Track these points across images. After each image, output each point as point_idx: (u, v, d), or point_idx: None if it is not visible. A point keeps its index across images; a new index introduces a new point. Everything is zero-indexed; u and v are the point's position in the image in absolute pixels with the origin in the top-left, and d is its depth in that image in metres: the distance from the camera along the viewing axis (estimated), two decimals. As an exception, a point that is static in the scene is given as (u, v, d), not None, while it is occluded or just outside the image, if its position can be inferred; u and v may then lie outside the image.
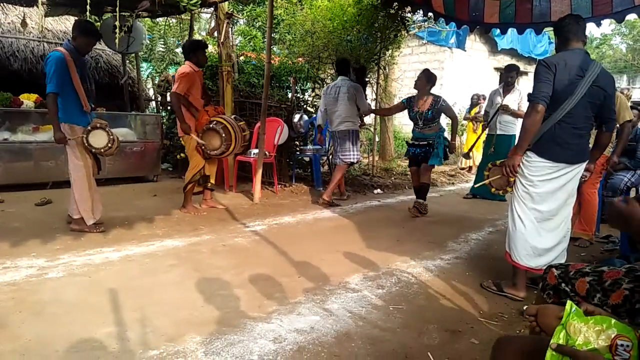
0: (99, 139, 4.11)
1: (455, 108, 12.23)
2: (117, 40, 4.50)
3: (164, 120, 7.97)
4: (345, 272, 3.51)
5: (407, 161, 6.11)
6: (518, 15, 5.25)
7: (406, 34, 8.50)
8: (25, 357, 2.17)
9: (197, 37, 9.70)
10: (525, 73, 14.10)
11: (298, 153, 7.37)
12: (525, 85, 11.90)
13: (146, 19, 8.27)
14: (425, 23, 11.67)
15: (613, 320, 1.16)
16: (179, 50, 10.81)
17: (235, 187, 6.43)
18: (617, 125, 4.45)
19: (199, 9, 6.78)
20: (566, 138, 2.88)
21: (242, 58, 8.62)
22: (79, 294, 2.90)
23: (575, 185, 3.06)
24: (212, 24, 6.90)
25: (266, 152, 6.10)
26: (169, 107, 8.14)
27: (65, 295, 2.87)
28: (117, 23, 4.27)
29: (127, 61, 7.84)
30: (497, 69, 14.17)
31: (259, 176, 5.89)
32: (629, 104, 4.61)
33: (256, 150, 6.04)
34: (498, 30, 5.91)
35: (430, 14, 5.89)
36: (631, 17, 4.63)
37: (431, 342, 2.50)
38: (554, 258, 3.01)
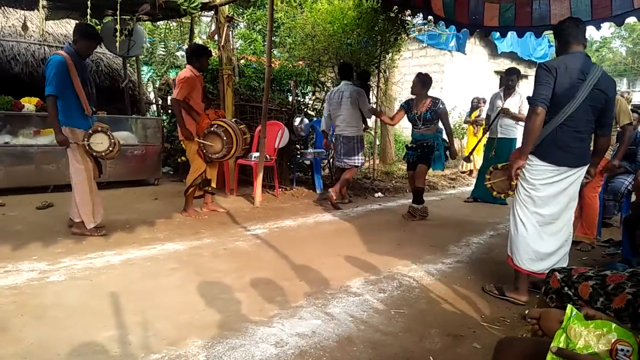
0: (100, 143, 4.11)
1: (456, 111, 12.32)
2: (117, 44, 4.51)
3: (165, 124, 7.99)
4: (347, 276, 3.51)
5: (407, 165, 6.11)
6: (518, 19, 5.26)
7: (406, 38, 8.51)
8: (26, 361, 2.17)
9: (197, 40, 9.72)
10: (526, 76, 14.12)
11: (299, 156, 7.38)
12: (525, 88, 11.90)
13: (147, 22, 8.28)
14: (425, 26, 11.70)
15: (613, 325, 1.16)
16: (179, 53, 10.83)
17: (236, 191, 6.43)
18: (618, 128, 4.46)
19: (200, 13, 6.78)
20: (568, 141, 2.88)
21: (242, 61, 8.63)
22: (80, 298, 2.90)
23: (577, 189, 3.06)
24: (213, 28, 6.89)
25: (267, 156, 6.10)
26: (169, 111, 8.14)
27: (66, 298, 2.87)
28: (117, 26, 4.27)
29: (128, 64, 7.85)
30: (497, 72, 14.19)
31: (260, 180, 5.90)
32: (629, 107, 4.61)
33: (257, 154, 6.05)
34: (498, 34, 5.93)
35: (430, 17, 5.90)
36: (631, 20, 4.64)
37: (433, 347, 2.49)
38: (555, 262, 3.01)
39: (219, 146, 4.81)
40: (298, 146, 7.55)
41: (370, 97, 7.54)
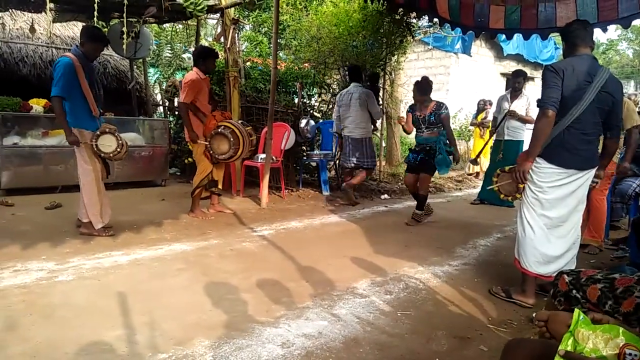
0: (108, 144, 4.14)
1: (462, 114, 12.30)
2: (124, 46, 4.51)
3: (172, 125, 8.02)
4: (353, 278, 3.51)
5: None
6: (523, 21, 5.25)
7: (412, 40, 8.51)
8: (35, 359, 2.18)
9: (203, 42, 9.75)
10: (532, 78, 14.08)
11: (305, 158, 7.39)
12: (532, 90, 11.87)
13: (153, 24, 8.33)
14: (431, 29, 11.68)
15: (621, 329, 1.17)
16: (186, 55, 10.87)
17: (243, 192, 6.45)
18: (625, 130, 4.44)
19: (206, 15, 6.81)
20: (575, 144, 2.87)
21: (248, 63, 8.66)
22: (88, 297, 2.91)
23: (585, 192, 3.04)
24: (219, 30, 6.95)
25: (273, 157, 6.12)
26: (176, 112, 8.18)
27: (74, 298, 2.89)
28: (124, 29, 4.29)
29: (135, 66, 7.89)
30: (503, 74, 14.16)
31: (266, 181, 5.91)
32: (637, 109, 4.58)
33: (263, 155, 6.07)
34: (504, 36, 5.91)
35: (435, 19, 5.89)
36: (637, 22, 4.63)
37: (439, 349, 2.49)
38: (563, 265, 2.99)
39: (225, 147, 4.82)
40: (304, 148, 7.57)
41: (380, 99, 7.56)
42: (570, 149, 2.88)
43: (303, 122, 7.00)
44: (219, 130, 4.81)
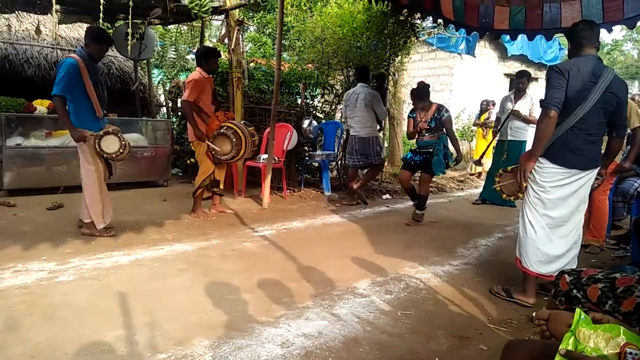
0: (110, 145, 4.15)
1: (465, 114, 12.26)
2: (129, 47, 4.55)
3: (175, 126, 8.04)
4: (354, 277, 3.50)
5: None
6: (528, 22, 5.22)
7: (416, 41, 8.50)
8: (35, 359, 2.19)
9: (208, 44, 9.79)
10: (536, 79, 14.02)
11: (307, 158, 7.39)
12: (535, 91, 11.83)
13: (158, 26, 8.37)
14: (435, 29, 11.65)
15: (622, 328, 1.17)
16: (190, 56, 10.91)
17: (245, 192, 6.46)
18: (629, 131, 4.42)
19: (210, 17, 6.83)
20: (579, 144, 2.87)
21: (252, 64, 8.66)
22: (89, 298, 2.92)
23: (587, 192, 3.04)
24: (223, 31, 6.94)
25: (275, 158, 6.13)
26: (179, 113, 8.20)
27: (75, 298, 2.89)
28: (129, 30, 4.33)
29: (139, 68, 7.93)
30: (507, 75, 14.11)
31: (268, 181, 5.92)
32: (640, 110, 4.56)
33: (265, 156, 6.07)
34: (508, 37, 5.89)
35: (440, 20, 5.88)
36: (643, 23, 4.59)
37: (439, 348, 2.48)
38: (564, 265, 2.99)
39: (228, 148, 4.84)
40: (306, 148, 7.57)
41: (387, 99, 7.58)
42: (574, 149, 2.87)
43: (306, 123, 7.01)
44: (222, 130, 4.82)
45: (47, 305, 2.77)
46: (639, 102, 4.75)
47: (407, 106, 8.76)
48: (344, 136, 7.43)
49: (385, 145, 9.23)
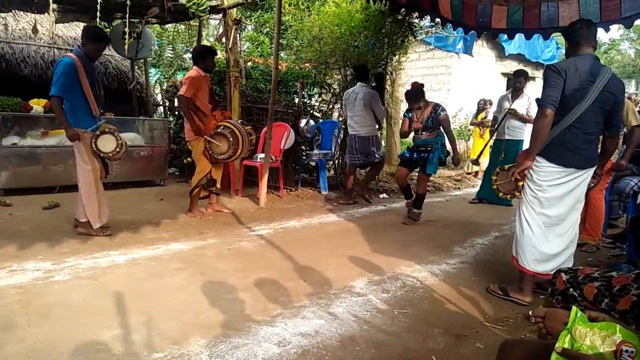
0: (107, 144, 4.14)
1: (462, 113, 12.27)
2: (126, 46, 4.53)
3: (172, 125, 8.02)
4: (350, 276, 3.50)
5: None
6: (526, 21, 5.23)
7: (413, 40, 8.49)
8: (30, 359, 2.18)
9: (205, 43, 9.76)
10: (533, 78, 14.05)
11: (304, 158, 7.39)
12: (533, 90, 11.84)
13: (155, 25, 8.34)
14: (433, 29, 11.66)
15: (618, 327, 1.17)
16: (187, 56, 10.88)
17: (241, 192, 6.45)
18: (625, 130, 4.44)
19: (208, 16, 6.81)
20: (576, 143, 2.87)
21: (249, 64, 8.66)
22: (85, 297, 2.91)
23: (583, 191, 3.05)
24: (221, 30, 6.91)
25: (272, 157, 6.12)
26: (176, 112, 8.19)
27: (71, 298, 2.88)
28: (126, 29, 4.31)
29: (136, 67, 7.90)
30: (504, 74, 14.13)
31: (265, 180, 5.91)
32: (637, 109, 4.57)
33: (262, 155, 6.07)
34: (505, 36, 5.90)
35: (437, 19, 5.89)
36: (640, 22, 4.60)
37: (436, 347, 2.48)
38: (561, 263, 3.00)
39: (225, 147, 4.83)
40: (304, 147, 7.57)
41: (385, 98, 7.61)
42: (571, 148, 2.88)
43: (303, 122, 7.01)
44: (219, 130, 4.82)
45: (43, 304, 2.76)
46: (635, 101, 4.76)
47: (404, 105, 8.77)
48: (342, 135, 7.43)
49: (383, 144, 9.22)
